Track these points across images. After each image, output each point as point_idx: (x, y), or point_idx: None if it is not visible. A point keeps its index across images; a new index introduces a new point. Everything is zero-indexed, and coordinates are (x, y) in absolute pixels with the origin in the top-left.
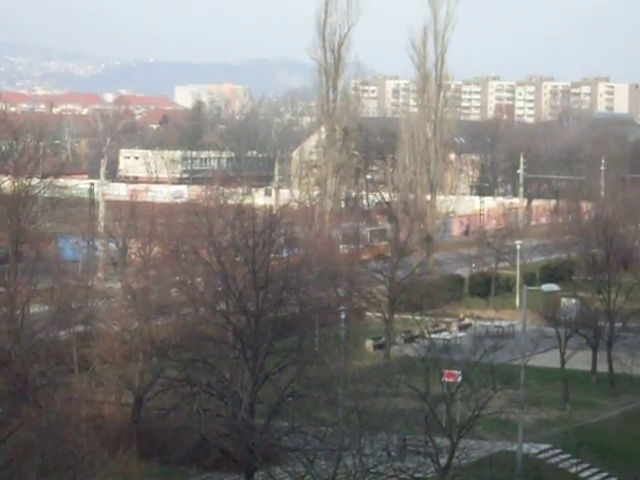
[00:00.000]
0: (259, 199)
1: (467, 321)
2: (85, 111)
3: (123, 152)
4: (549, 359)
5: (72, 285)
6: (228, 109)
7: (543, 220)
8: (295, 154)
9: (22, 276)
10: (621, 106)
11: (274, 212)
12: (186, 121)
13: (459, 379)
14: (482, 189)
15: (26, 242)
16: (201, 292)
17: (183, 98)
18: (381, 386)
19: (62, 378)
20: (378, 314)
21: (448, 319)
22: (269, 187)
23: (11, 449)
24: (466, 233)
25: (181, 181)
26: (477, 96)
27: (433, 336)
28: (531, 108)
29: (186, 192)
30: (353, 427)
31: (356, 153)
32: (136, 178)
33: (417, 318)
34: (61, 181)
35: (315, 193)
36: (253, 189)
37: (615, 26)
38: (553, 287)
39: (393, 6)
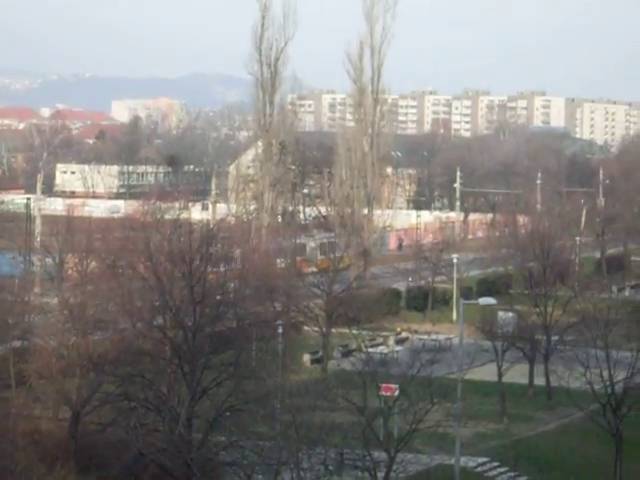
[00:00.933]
0: (196, 214)
1: (404, 335)
2: (22, 126)
3: (60, 167)
4: (486, 373)
5: (9, 300)
6: (165, 124)
7: (480, 234)
8: (232, 168)
9: None
10: (557, 120)
11: (211, 226)
12: (123, 136)
13: (396, 393)
14: (419, 203)
15: None
16: (138, 307)
17: (120, 113)
18: (319, 400)
19: None
20: (315, 328)
21: (385, 333)
22: (206, 201)
23: None
24: (399, 247)
25: (118, 196)
26: (414, 110)
27: (370, 350)
28: (468, 122)
29: (123, 207)
30: (291, 441)
31: (293, 167)
32: (73, 193)
33: (354, 332)
34: None
35: (252, 207)
36: (190, 204)
37: (550, 41)
38: (490, 301)
39: (330, 21)
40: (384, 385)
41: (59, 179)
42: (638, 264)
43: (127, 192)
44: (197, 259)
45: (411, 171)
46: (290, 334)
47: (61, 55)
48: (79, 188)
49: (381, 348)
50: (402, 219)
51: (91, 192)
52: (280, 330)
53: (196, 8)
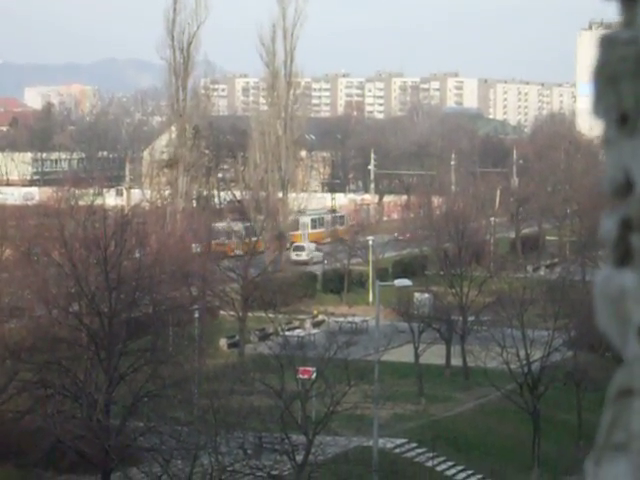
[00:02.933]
0: (110, 200)
1: (321, 318)
2: None
3: None
4: (403, 354)
5: None
6: (78, 110)
7: (395, 215)
8: (146, 154)
9: None
10: (470, 101)
11: (125, 212)
12: (36, 122)
13: (314, 376)
14: (333, 186)
15: None
16: (54, 294)
17: (33, 99)
18: (236, 384)
19: None
20: (232, 312)
21: (302, 316)
22: (120, 187)
23: None
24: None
25: (32, 183)
26: (327, 93)
27: (287, 333)
28: (381, 104)
29: (37, 194)
30: (209, 426)
31: (207, 152)
32: None
33: (271, 316)
34: None
35: (166, 192)
36: (104, 190)
37: (463, 22)
38: (405, 282)
39: (242, 4)
40: (301, 368)
41: None
42: (552, 243)
43: (41, 179)
44: (112, 245)
45: (325, 154)
46: (206, 319)
47: None
48: None
49: (298, 331)
50: (317, 202)
51: (4, 179)
52: (196, 315)
53: None
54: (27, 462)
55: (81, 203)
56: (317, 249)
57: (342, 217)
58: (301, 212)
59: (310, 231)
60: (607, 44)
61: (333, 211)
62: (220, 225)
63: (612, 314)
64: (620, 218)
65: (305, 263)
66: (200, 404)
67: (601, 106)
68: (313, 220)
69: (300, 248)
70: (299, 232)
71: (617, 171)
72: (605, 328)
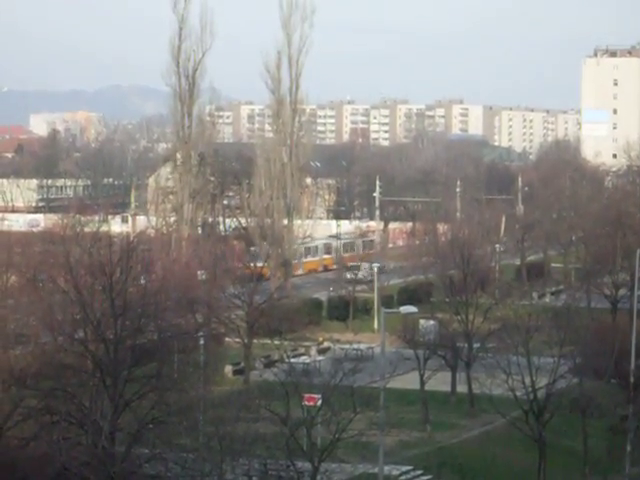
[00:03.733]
0: (116, 226)
1: (326, 345)
2: None
3: None
4: (409, 381)
5: None
6: (83, 137)
7: (400, 242)
8: (151, 180)
9: None
10: (476, 128)
11: (131, 239)
12: (41, 149)
13: (319, 403)
14: (339, 213)
15: None
16: (59, 320)
17: (38, 126)
18: (241, 411)
19: None
20: (237, 339)
21: (307, 343)
22: (125, 214)
23: None
24: None
25: (37, 210)
26: (332, 120)
27: (292, 360)
28: (386, 131)
29: (42, 220)
30: (214, 453)
31: (212, 179)
32: None
33: (276, 342)
34: None
35: (172, 219)
36: (110, 216)
37: (468, 49)
38: (411, 309)
39: (247, 31)
40: (307, 395)
41: None
42: (558, 270)
43: (46, 206)
44: (117, 272)
45: (330, 181)
46: (211, 346)
47: None
48: None
49: (303, 358)
50: (322, 229)
51: (10, 206)
52: (202, 342)
53: (112, 20)
54: None
55: (86, 230)
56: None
57: (372, 241)
58: (335, 236)
59: (343, 254)
60: None
61: (363, 235)
62: (254, 249)
63: None
64: None
65: (360, 281)
66: (205, 431)
67: None
68: (345, 244)
69: (355, 267)
70: (332, 255)
71: None
72: None
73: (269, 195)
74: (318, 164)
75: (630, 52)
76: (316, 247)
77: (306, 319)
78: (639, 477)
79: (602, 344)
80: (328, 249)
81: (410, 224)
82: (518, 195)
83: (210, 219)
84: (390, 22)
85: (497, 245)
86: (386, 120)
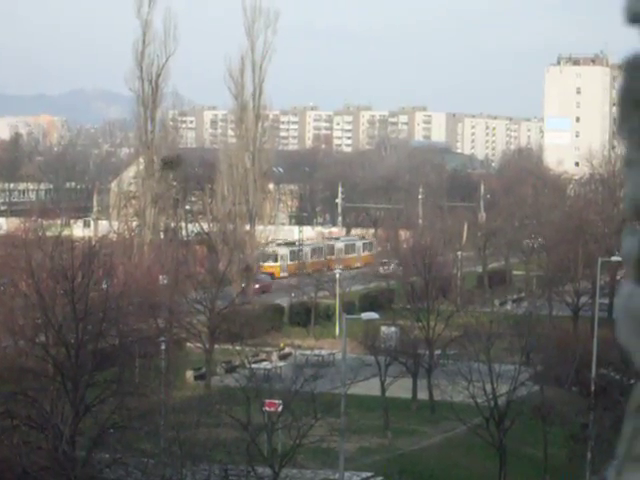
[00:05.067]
0: (78, 230)
1: (287, 350)
2: None
3: None
4: (370, 387)
5: None
6: (46, 141)
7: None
8: (114, 185)
9: None
10: (439, 135)
11: (93, 244)
12: (3, 153)
13: (280, 408)
14: (301, 218)
15: None
16: (20, 325)
17: (1, 130)
18: (202, 416)
19: None
20: (198, 344)
21: (268, 349)
22: (88, 218)
23: None
24: None
25: None
26: (295, 126)
27: (253, 366)
28: (349, 137)
29: (4, 224)
30: (175, 458)
31: (175, 184)
32: None
33: (237, 348)
34: None
35: (134, 224)
36: (72, 220)
37: (431, 57)
38: (372, 315)
39: (211, 37)
40: (268, 401)
41: None
42: (519, 278)
43: (8, 209)
44: (79, 276)
45: (293, 187)
46: (173, 350)
47: None
48: None
49: (264, 364)
50: (284, 235)
51: None
52: (163, 347)
53: (75, 24)
54: None
55: (48, 234)
56: None
57: (370, 244)
58: (336, 238)
59: (344, 256)
60: (633, 68)
61: (362, 238)
62: (268, 249)
63: (633, 330)
64: None
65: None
66: (166, 436)
67: (625, 128)
68: (346, 246)
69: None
70: (334, 257)
71: (638, 191)
72: (626, 343)
73: (231, 200)
74: (281, 170)
75: (593, 61)
76: (320, 248)
77: (268, 325)
78: None
79: (563, 352)
80: (331, 250)
81: (372, 230)
82: (480, 202)
83: (172, 224)
84: (354, 28)
85: (459, 252)
86: (349, 126)
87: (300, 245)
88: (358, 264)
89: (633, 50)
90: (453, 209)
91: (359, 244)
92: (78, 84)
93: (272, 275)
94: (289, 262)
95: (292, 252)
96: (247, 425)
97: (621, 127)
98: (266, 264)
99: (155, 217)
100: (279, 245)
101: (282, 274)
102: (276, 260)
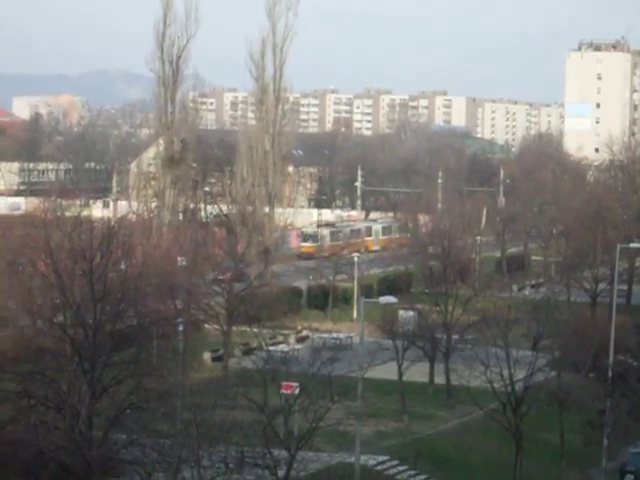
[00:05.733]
0: (97, 211)
1: (305, 333)
2: None
3: None
4: (387, 371)
5: None
6: (66, 121)
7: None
8: (133, 166)
9: None
10: (458, 119)
11: (112, 224)
12: (24, 133)
13: (297, 391)
14: (320, 202)
15: None
16: (39, 304)
17: (21, 109)
18: (219, 398)
19: None
20: (216, 326)
21: (286, 331)
22: (107, 199)
23: None
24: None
25: (18, 193)
26: (315, 109)
27: (271, 348)
28: (369, 121)
29: (23, 204)
30: (191, 439)
31: (194, 165)
32: None
33: (255, 330)
34: None
35: (153, 205)
36: (91, 201)
37: (452, 41)
38: (390, 299)
39: (232, 19)
40: (285, 383)
41: None
42: (538, 263)
43: (28, 189)
44: (97, 257)
45: (312, 170)
46: (191, 332)
47: None
48: None
49: (282, 346)
50: (303, 218)
51: None
52: (180, 328)
53: (97, 4)
54: (9, 472)
55: (67, 214)
56: None
57: (406, 225)
58: (373, 220)
59: (381, 237)
60: None
61: (398, 220)
62: (308, 230)
63: None
64: None
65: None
66: (183, 417)
67: None
68: (384, 228)
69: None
70: (372, 238)
71: None
72: None
73: (251, 183)
74: (300, 152)
75: (614, 47)
76: (359, 230)
77: (285, 307)
78: (615, 471)
79: (581, 338)
80: (369, 231)
81: (391, 214)
82: (500, 187)
83: (191, 205)
84: (375, 12)
85: (478, 237)
86: (369, 110)
87: (340, 226)
88: (394, 245)
89: None
90: (472, 194)
91: (395, 226)
92: (99, 65)
93: (312, 255)
94: (329, 243)
95: (332, 233)
96: (264, 407)
97: None
98: (306, 244)
99: (174, 198)
100: (320, 226)
101: (320, 254)
102: (316, 241)
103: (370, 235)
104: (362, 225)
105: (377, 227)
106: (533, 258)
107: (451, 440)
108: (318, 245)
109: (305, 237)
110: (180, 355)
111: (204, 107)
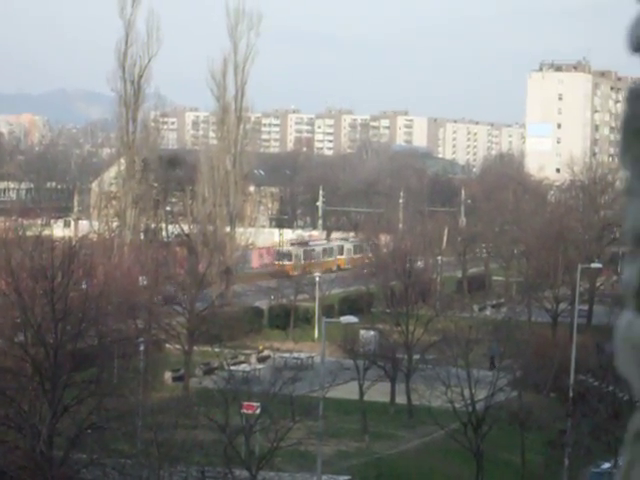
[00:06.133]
0: (58, 230)
1: (266, 353)
2: None
3: None
4: (348, 391)
5: None
6: (27, 140)
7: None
8: (94, 185)
9: None
10: (420, 139)
11: (73, 244)
12: None
13: (258, 411)
14: (281, 221)
15: None
16: None
17: None
18: (180, 418)
19: None
20: (177, 346)
21: (247, 351)
22: (68, 218)
23: None
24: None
25: None
26: (277, 129)
27: (232, 368)
28: (330, 141)
29: None
30: (152, 459)
31: (155, 185)
32: None
33: (216, 350)
34: None
35: (114, 224)
36: (52, 220)
37: (414, 61)
38: (351, 319)
39: (194, 38)
40: (246, 403)
41: None
42: (499, 283)
43: None
44: (59, 276)
45: (274, 189)
46: (152, 352)
47: None
48: None
49: (243, 366)
50: (265, 237)
51: None
52: (142, 347)
53: (58, 23)
54: None
55: (29, 233)
56: None
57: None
58: (345, 239)
59: (353, 256)
60: (634, 98)
61: (369, 239)
62: (282, 249)
63: (633, 359)
64: None
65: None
66: (144, 437)
67: (628, 158)
68: (355, 246)
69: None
70: (344, 257)
71: (639, 221)
72: (625, 372)
73: (212, 202)
74: (262, 172)
75: (575, 67)
76: (331, 248)
77: (247, 327)
78: None
79: (542, 358)
80: (340, 250)
81: (353, 234)
82: (461, 208)
83: (153, 225)
84: (336, 32)
85: (439, 257)
86: (330, 130)
87: (313, 245)
88: (366, 262)
89: (636, 81)
90: (433, 214)
91: (365, 245)
92: (60, 83)
93: (287, 273)
94: (302, 261)
95: (305, 252)
96: (225, 427)
97: (623, 156)
98: (280, 262)
99: (135, 218)
100: (293, 245)
101: (295, 272)
102: (290, 259)
103: (342, 253)
104: (334, 244)
105: (349, 246)
106: (494, 278)
107: (412, 460)
108: (293, 263)
109: (280, 256)
110: (141, 375)
111: (165, 126)
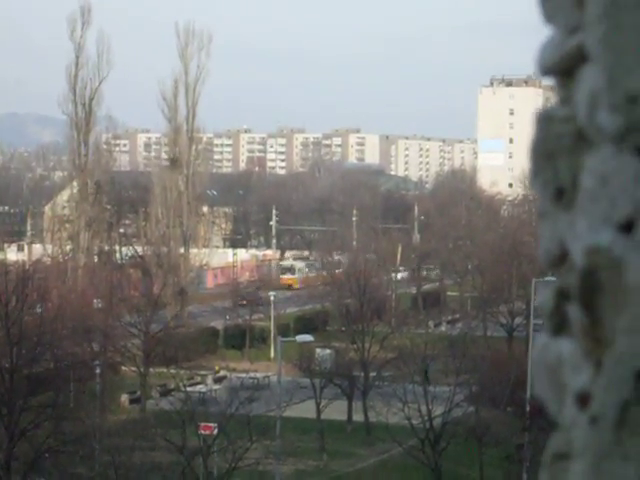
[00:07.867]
0: (11, 255)
1: (222, 373)
2: None
3: None
4: (305, 409)
5: None
6: None
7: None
8: (47, 209)
9: None
10: (372, 157)
11: (27, 267)
12: None
13: (215, 431)
14: (235, 241)
15: None
16: None
17: None
18: (137, 440)
19: None
20: (133, 368)
21: (203, 372)
22: (21, 242)
23: None
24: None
25: None
26: (229, 149)
27: (188, 389)
28: (283, 160)
29: None
30: None
31: (108, 207)
32: None
33: (172, 371)
34: None
35: (68, 248)
36: (5, 244)
37: (365, 79)
38: (307, 338)
39: (145, 60)
40: (203, 424)
41: None
42: (454, 299)
43: None
44: (13, 300)
45: (227, 209)
46: (108, 374)
47: None
48: None
49: (199, 387)
50: (219, 257)
51: None
52: (98, 370)
53: (7, 47)
54: None
55: None
56: None
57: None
58: (301, 258)
59: (307, 275)
60: (544, 121)
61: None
62: (285, 263)
63: (549, 381)
64: (556, 288)
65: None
66: (101, 460)
67: (538, 180)
68: (308, 265)
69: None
70: (296, 276)
71: (552, 243)
72: (541, 394)
73: (165, 223)
74: (215, 192)
75: (526, 82)
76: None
77: (202, 348)
78: None
79: (498, 373)
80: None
81: (307, 253)
82: (414, 224)
83: (106, 247)
84: (287, 51)
85: (393, 274)
86: (283, 149)
87: (312, 259)
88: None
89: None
90: (387, 231)
91: (319, 264)
92: (10, 107)
93: (290, 286)
94: (307, 274)
95: (308, 265)
96: (182, 448)
97: (534, 180)
98: (285, 276)
99: (89, 240)
100: (296, 259)
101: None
102: (294, 273)
103: (340, 267)
104: (333, 258)
105: (301, 265)
106: (449, 294)
107: (370, 478)
108: (297, 277)
109: (284, 270)
110: (98, 398)
111: (118, 149)
